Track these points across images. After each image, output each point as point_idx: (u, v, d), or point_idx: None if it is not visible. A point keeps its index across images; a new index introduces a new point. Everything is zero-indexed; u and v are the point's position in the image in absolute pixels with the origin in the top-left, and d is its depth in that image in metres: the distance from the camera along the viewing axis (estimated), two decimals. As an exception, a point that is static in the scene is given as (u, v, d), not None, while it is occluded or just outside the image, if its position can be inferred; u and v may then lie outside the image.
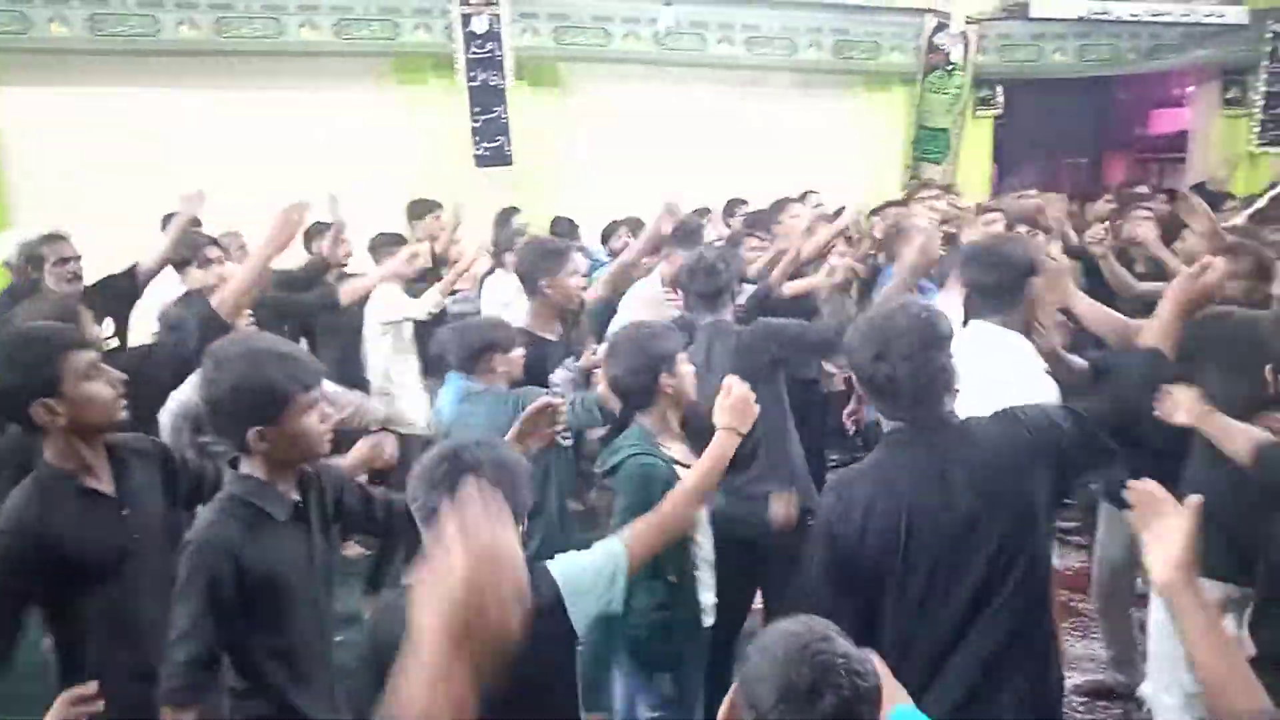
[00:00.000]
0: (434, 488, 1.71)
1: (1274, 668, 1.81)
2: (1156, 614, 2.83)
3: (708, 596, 2.72)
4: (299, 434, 2.03)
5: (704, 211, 6.47)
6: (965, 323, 2.78)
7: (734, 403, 2.26)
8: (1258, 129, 8.65)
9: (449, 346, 3.22)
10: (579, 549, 2.00)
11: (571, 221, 6.41)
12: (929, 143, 8.10)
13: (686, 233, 4.48)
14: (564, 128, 7.20)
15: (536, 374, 3.33)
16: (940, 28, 7.82)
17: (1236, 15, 8.39)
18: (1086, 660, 3.96)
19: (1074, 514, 5.15)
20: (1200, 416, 2.47)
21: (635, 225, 5.80)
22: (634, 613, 2.50)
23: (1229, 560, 2.62)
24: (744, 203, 6.86)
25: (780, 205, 5.23)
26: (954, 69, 7.91)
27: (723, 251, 3.55)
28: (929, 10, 7.82)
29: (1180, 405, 2.48)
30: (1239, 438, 2.42)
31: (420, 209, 5.68)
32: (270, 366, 2.00)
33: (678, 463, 2.62)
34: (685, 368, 2.70)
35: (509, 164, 6.86)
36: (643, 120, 7.36)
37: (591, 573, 1.90)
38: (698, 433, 2.62)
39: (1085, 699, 3.70)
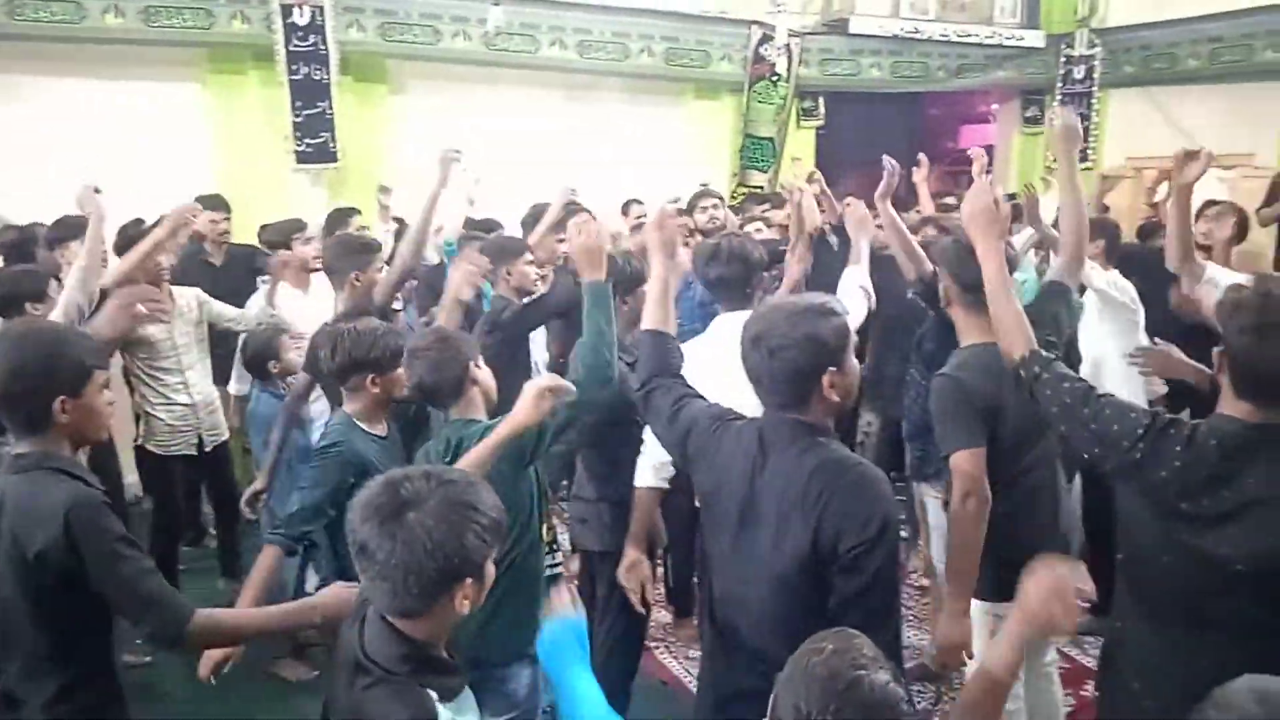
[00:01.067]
0: (366, 521, 1.56)
1: None
2: (980, 631, 2.92)
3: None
4: (95, 410, 2.13)
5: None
6: None
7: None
8: (1053, 146, 9.28)
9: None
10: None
11: (400, 221, 6.27)
12: (755, 151, 8.33)
13: (536, 217, 4.50)
14: (393, 126, 7.03)
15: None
16: (766, 39, 8.05)
17: (1034, 39, 9.00)
18: (903, 647, 4.14)
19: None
20: None
21: (478, 226, 5.74)
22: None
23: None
24: (575, 203, 6.89)
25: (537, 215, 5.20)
26: (779, 80, 8.17)
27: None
28: (755, 22, 8.05)
29: None
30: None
31: (205, 205, 5.46)
32: (75, 342, 2.16)
33: None
34: (484, 371, 2.72)
35: (334, 161, 6.65)
36: (474, 121, 7.26)
37: None
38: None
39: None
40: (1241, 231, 4.83)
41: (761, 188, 8.14)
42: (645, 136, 8.06)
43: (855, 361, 2.05)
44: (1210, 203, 4.96)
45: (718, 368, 2.82)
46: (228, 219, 5.63)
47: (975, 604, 2.83)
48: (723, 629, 2.10)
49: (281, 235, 5.11)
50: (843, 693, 1.35)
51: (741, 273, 3.10)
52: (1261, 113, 7.81)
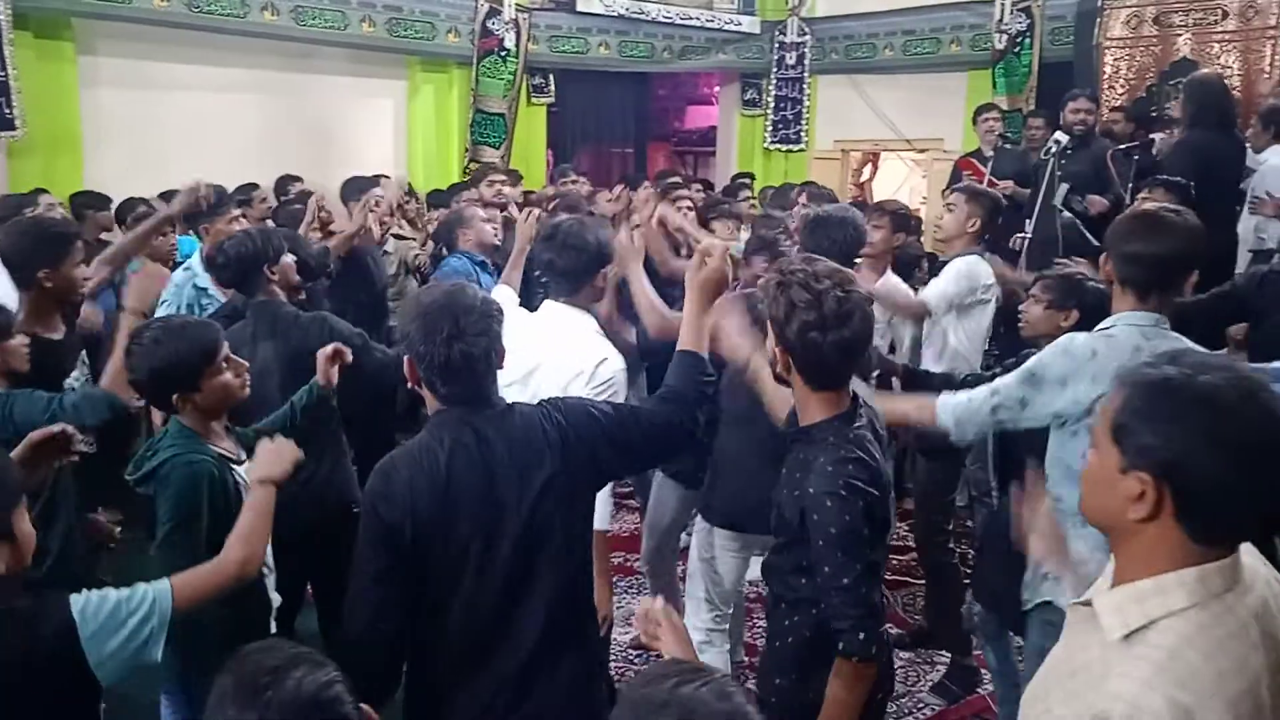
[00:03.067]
0: None
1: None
2: (693, 565, 3.16)
3: (274, 595, 2.55)
4: None
5: (251, 187, 6.09)
6: None
7: (268, 454, 2.13)
8: (770, 129, 9.80)
9: None
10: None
11: (100, 196, 5.71)
12: (486, 127, 8.23)
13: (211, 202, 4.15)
14: (86, 91, 6.36)
15: (48, 379, 2.87)
16: (493, 13, 7.95)
17: (750, 25, 9.43)
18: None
19: (628, 479, 5.51)
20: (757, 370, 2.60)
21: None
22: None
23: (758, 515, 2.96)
24: (297, 179, 6.57)
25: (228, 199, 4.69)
26: (508, 55, 8.10)
27: (261, 229, 3.39)
28: (481, -5, 7.94)
29: (740, 348, 2.64)
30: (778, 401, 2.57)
31: None
32: None
33: (227, 458, 2.40)
34: (226, 373, 2.41)
35: (12, 129, 5.92)
36: (181, 89, 6.72)
37: (122, 614, 1.70)
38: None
39: (639, 651, 3.97)
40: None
41: (494, 164, 8.05)
42: (371, 110, 7.78)
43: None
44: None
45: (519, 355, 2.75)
46: None
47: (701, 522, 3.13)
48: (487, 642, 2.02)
49: None
50: (266, 702, 1.34)
51: (577, 263, 2.80)
52: (948, 100, 8.59)
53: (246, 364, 2.50)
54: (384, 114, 7.98)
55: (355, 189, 5.06)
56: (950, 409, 2.43)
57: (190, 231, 4.31)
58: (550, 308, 2.86)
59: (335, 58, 7.47)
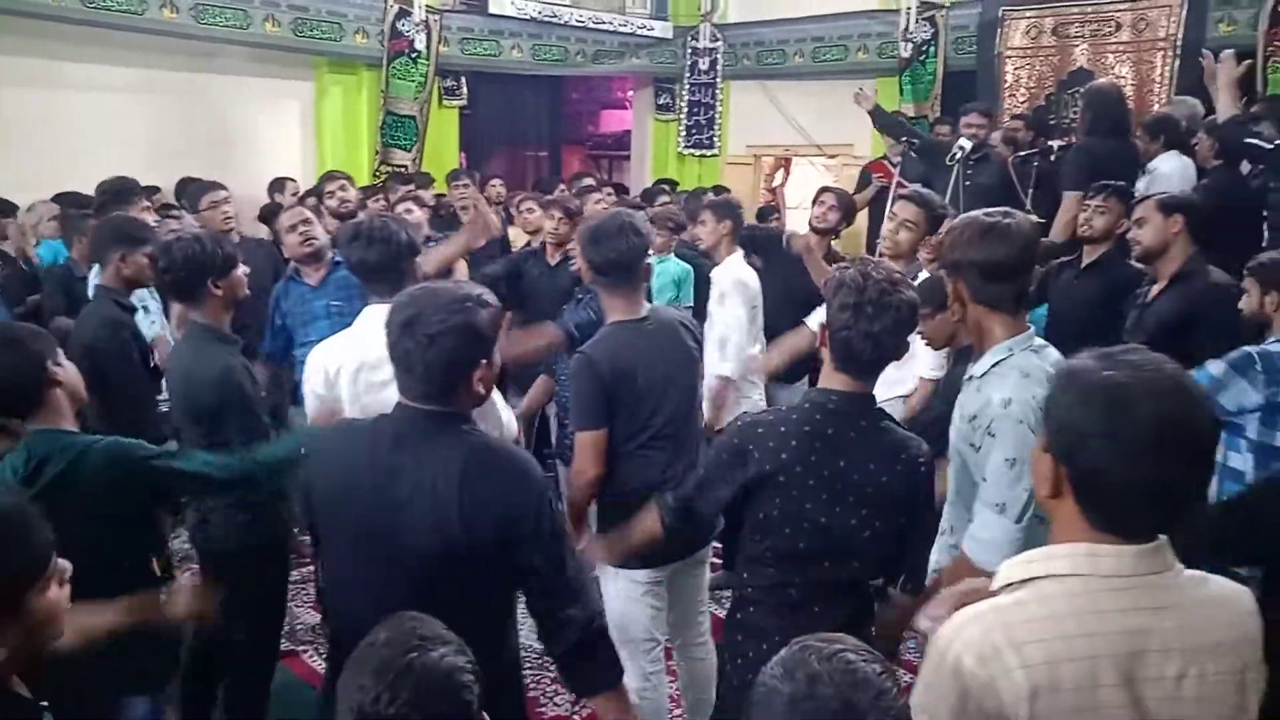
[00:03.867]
0: None
1: None
2: (615, 603, 2.87)
3: None
4: None
5: (153, 190, 5.90)
6: None
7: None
8: (683, 134, 9.85)
9: None
10: None
11: (6, 203, 5.46)
12: (397, 129, 8.09)
13: (118, 193, 3.99)
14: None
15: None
16: (403, 14, 7.83)
17: (663, 30, 9.48)
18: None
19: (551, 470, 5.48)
20: None
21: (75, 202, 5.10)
22: None
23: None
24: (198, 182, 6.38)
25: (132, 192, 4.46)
26: (418, 57, 7.98)
27: (213, 235, 3.08)
28: (390, -5, 7.81)
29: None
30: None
31: None
32: None
33: None
34: (67, 368, 2.34)
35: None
36: (76, 89, 6.46)
37: None
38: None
39: (540, 656, 3.93)
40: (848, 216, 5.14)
41: (405, 167, 7.94)
42: (275, 111, 7.59)
43: (498, 356, 2.01)
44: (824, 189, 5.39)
45: (362, 364, 2.72)
46: None
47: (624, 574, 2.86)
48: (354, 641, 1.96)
49: None
50: (395, 679, 1.37)
51: (387, 256, 2.80)
52: (857, 106, 8.70)
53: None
54: (291, 115, 7.80)
55: (197, 193, 4.74)
56: (985, 560, 2.03)
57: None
58: (373, 312, 2.75)
59: (238, 57, 7.25)
